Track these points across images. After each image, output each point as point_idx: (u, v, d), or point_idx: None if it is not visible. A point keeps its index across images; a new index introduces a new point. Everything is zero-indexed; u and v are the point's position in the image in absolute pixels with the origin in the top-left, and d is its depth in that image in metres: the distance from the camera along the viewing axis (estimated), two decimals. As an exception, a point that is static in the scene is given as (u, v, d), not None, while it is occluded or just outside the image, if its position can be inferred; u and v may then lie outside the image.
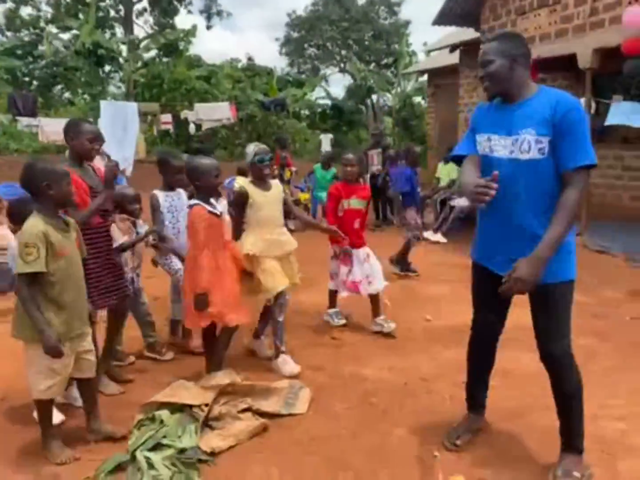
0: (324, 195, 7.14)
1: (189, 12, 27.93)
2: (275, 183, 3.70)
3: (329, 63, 31.84)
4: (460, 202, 8.20)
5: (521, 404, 3.10)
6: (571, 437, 2.46)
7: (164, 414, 2.66)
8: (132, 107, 10.52)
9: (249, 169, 3.63)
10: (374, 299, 4.29)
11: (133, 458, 2.39)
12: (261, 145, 3.61)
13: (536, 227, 2.28)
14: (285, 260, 3.61)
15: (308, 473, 2.47)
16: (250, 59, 31.51)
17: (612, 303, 5.00)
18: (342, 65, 30.86)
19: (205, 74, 22.76)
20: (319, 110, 27.09)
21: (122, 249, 3.42)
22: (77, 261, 2.64)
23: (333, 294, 4.47)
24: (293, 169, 9.23)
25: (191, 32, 23.29)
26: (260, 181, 3.56)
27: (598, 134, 8.77)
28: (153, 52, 23.84)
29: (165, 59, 23.73)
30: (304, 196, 9.30)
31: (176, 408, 2.73)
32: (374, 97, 25.90)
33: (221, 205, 3.55)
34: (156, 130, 16.07)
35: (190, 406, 2.73)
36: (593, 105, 7.57)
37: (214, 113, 14.43)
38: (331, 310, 4.49)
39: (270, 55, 66.66)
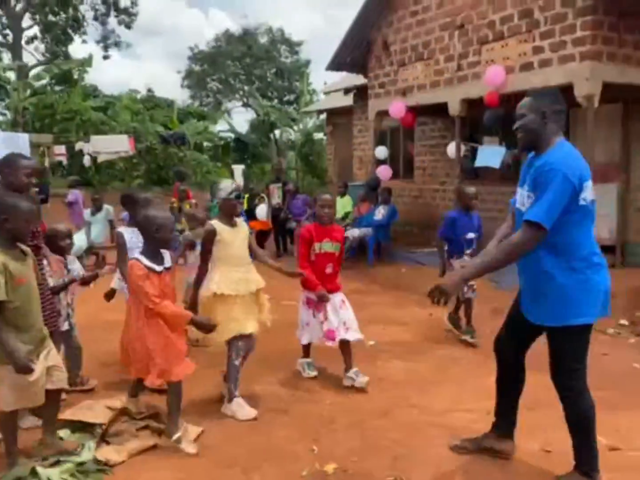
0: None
1: (84, 41, 27.35)
2: (240, 221, 3.65)
3: (232, 97, 32.42)
4: (354, 233, 8.85)
5: (389, 403, 3.63)
6: (576, 456, 2.67)
7: (64, 432, 2.85)
8: (24, 138, 10.25)
9: (221, 205, 3.56)
10: (346, 349, 3.98)
11: (34, 473, 2.56)
12: (237, 182, 3.67)
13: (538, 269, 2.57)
14: (252, 299, 3.55)
15: (199, 473, 2.78)
16: (149, 90, 31.27)
17: (478, 319, 5.74)
18: (245, 100, 31.54)
19: (102, 105, 22.38)
20: (222, 143, 27.43)
21: (56, 291, 3.46)
22: (35, 286, 2.79)
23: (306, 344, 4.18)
24: (192, 201, 9.48)
25: (87, 61, 22.85)
26: (229, 218, 3.53)
27: (470, 174, 9.92)
28: (44, 80, 23.06)
29: (57, 88, 23.04)
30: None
31: (77, 427, 2.93)
32: (277, 132, 26.75)
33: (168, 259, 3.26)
34: (48, 161, 15.56)
35: (92, 424, 2.94)
36: (463, 147, 8.59)
37: (111, 145, 14.32)
38: (303, 360, 4.23)
39: (170, 87, 66.07)
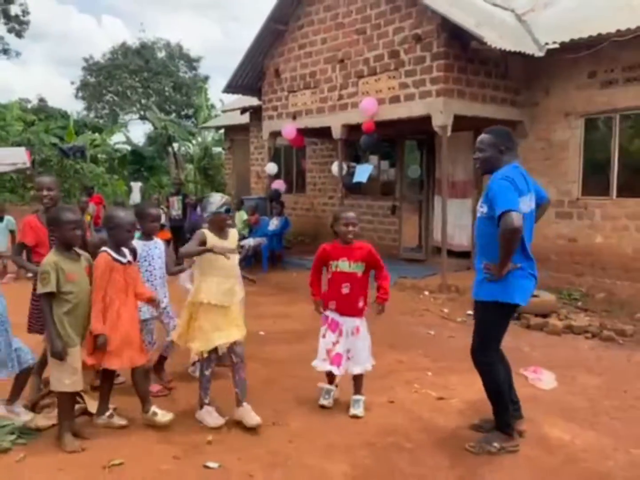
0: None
1: (-33, 46, 25.82)
2: (232, 232, 3.76)
3: (129, 110, 31.92)
4: (250, 242, 9.63)
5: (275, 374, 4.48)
6: (496, 419, 3.39)
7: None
8: None
9: (212, 218, 3.64)
10: (358, 377, 3.99)
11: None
12: (226, 196, 3.73)
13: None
14: (235, 309, 3.75)
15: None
16: (42, 100, 30.13)
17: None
18: (142, 112, 31.19)
19: (-12, 114, 21.39)
20: (119, 155, 27.01)
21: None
22: (85, 284, 3.36)
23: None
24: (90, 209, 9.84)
25: (-29, 68, 21.72)
26: (219, 231, 3.64)
27: (354, 189, 11.10)
28: None
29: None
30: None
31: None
32: (175, 145, 26.84)
33: (129, 255, 3.63)
34: None
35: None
36: (344, 166, 9.71)
37: (7, 158, 14.02)
38: (324, 386, 4.11)
39: (62, 96, 62.99)
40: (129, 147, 27.20)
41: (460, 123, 8.06)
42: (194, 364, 4.42)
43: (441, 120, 7.80)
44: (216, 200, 3.64)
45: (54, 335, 3.21)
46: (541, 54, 7.94)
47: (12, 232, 8.69)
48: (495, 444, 3.34)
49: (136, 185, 19.06)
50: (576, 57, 7.94)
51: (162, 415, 3.59)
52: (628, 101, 7.77)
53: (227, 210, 3.63)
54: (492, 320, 3.39)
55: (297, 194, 13.24)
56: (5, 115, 21.96)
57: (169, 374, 4.46)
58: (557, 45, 7.84)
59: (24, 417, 3.50)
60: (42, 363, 3.78)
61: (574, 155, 8.44)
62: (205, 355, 3.69)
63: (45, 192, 3.91)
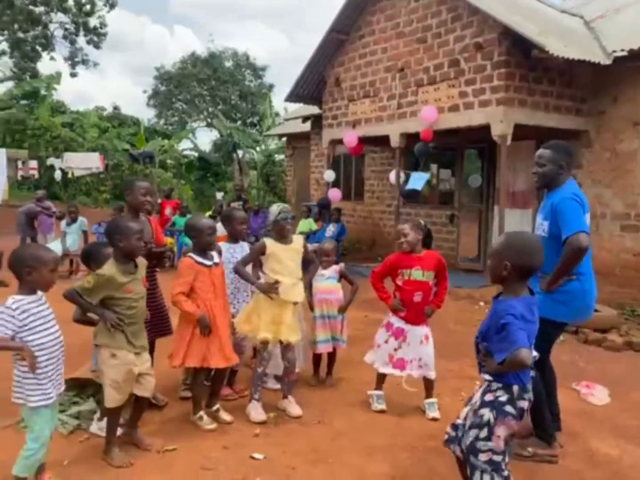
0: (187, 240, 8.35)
1: (52, 58, 27.75)
2: (296, 238, 4.00)
3: (196, 117, 33.20)
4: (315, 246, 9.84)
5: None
6: (534, 424, 3.34)
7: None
8: (1, 152, 10.89)
9: (272, 226, 3.92)
10: (428, 383, 4.07)
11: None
12: (285, 206, 3.96)
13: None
14: (295, 310, 3.94)
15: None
16: (116, 107, 31.84)
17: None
18: (209, 120, 32.37)
19: (69, 121, 22.87)
20: (186, 161, 28.13)
21: None
22: (142, 295, 3.26)
23: (381, 374, 4.13)
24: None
25: (55, 79, 23.35)
26: (283, 238, 3.89)
27: (412, 198, 11.09)
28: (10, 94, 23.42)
29: (23, 102, 23.42)
30: (169, 240, 10.40)
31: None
32: (240, 152, 27.66)
33: (217, 257, 3.80)
34: (19, 175, 16.09)
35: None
36: (402, 175, 9.74)
37: (83, 162, 15.02)
38: (375, 392, 4.16)
39: (134, 102, 66.28)
40: (195, 154, 28.32)
41: (522, 132, 7.93)
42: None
43: (501, 129, 7.71)
44: (273, 209, 3.91)
45: (100, 311, 3.12)
46: (608, 61, 7.70)
47: (84, 232, 9.29)
48: (529, 449, 3.34)
49: (219, 195, 19.89)
50: (647, 64, 7.65)
51: (207, 423, 3.70)
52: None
53: (284, 218, 3.84)
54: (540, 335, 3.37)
55: (356, 201, 13.36)
56: (82, 122, 23.41)
57: (241, 382, 4.49)
58: (625, 53, 7.59)
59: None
60: None
61: (643, 165, 8.11)
62: (260, 349, 3.89)
63: (148, 198, 3.85)
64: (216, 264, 3.74)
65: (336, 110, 10.87)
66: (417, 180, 9.17)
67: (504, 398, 2.45)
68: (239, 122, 31.62)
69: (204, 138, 57.89)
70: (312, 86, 11.21)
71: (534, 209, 9.25)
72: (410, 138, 9.27)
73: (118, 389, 3.14)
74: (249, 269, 3.99)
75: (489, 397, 2.48)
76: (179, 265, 3.71)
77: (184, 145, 28.37)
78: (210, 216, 10.73)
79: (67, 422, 3.59)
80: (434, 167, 11.52)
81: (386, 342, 4.04)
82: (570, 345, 6.04)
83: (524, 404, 2.48)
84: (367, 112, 10.05)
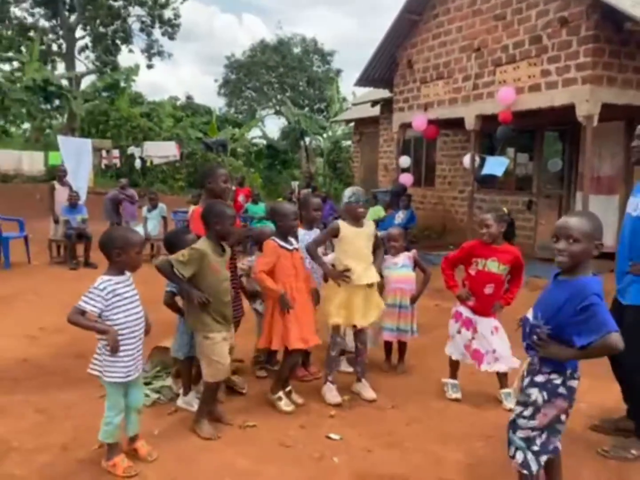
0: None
1: (130, 50, 29.02)
2: (368, 223, 3.97)
3: (265, 105, 33.65)
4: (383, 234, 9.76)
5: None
6: (636, 424, 3.27)
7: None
8: (87, 143, 11.52)
9: (345, 209, 3.92)
10: (501, 375, 3.94)
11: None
12: (359, 189, 3.94)
13: None
14: (367, 293, 3.90)
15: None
16: (189, 97, 32.80)
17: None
18: (277, 107, 32.72)
19: (146, 111, 23.82)
20: (255, 149, 28.61)
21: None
22: (227, 278, 3.38)
23: (454, 362, 4.07)
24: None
25: (134, 71, 24.32)
26: (353, 220, 3.87)
27: (487, 183, 10.72)
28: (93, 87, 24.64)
29: (105, 94, 24.58)
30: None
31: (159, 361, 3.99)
32: (307, 139, 27.79)
33: (296, 243, 3.82)
34: (103, 163, 16.98)
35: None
36: (477, 159, 9.41)
37: (161, 150, 15.63)
38: (449, 381, 4.09)
39: (206, 91, 67.90)
40: (264, 142, 28.70)
41: (610, 112, 7.44)
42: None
43: (586, 109, 7.27)
44: (347, 192, 3.90)
45: (188, 287, 3.20)
46: None
47: (164, 218, 9.65)
48: (634, 451, 3.17)
49: (294, 183, 20.14)
50: None
51: (285, 404, 3.73)
52: None
53: (357, 201, 3.81)
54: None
55: (426, 187, 13.09)
56: (159, 112, 24.29)
57: (315, 364, 4.50)
58: None
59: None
60: None
61: None
62: (332, 333, 3.92)
63: (229, 185, 3.91)
64: (296, 249, 3.77)
65: (407, 93, 10.64)
66: (495, 165, 8.82)
67: (558, 381, 2.40)
68: (306, 109, 31.75)
69: (272, 126, 58.77)
70: (383, 69, 11.02)
71: (621, 196, 8.70)
72: (486, 120, 8.94)
73: (218, 365, 3.26)
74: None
75: (540, 378, 2.42)
76: (264, 246, 3.76)
77: (253, 134, 28.88)
78: (280, 203, 10.93)
79: (149, 395, 3.76)
80: (510, 150, 11.05)
81: (459, 332, 3.97)
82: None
83: (575, 383, 2.43)
84: (440, 94, 9.77)
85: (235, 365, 4.18)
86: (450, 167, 12.52)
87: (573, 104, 7.40)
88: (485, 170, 8.95)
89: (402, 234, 4.68)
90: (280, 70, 31.67)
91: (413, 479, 2.98)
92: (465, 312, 3.94)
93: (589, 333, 2.24)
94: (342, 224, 3.87)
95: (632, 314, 3.18)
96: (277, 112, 32.71)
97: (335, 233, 3.86)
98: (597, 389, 4.08)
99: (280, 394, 3.77)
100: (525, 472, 2.43)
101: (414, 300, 4.54)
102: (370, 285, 3.93)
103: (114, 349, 2.77)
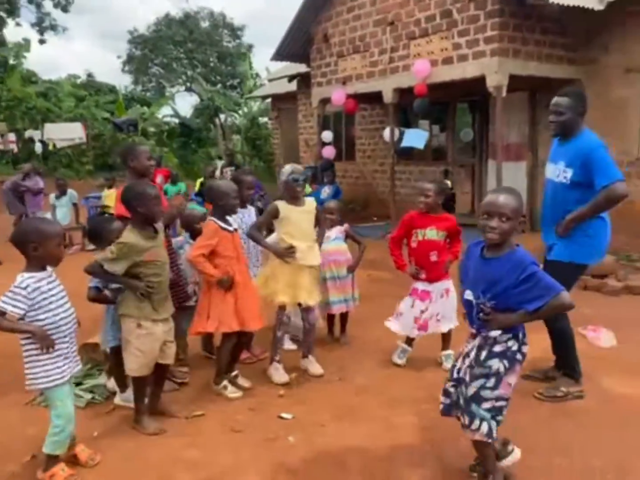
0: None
1: (18, 24, 26.46)
2: (308, 201, 3.94)
3: (175, 82, 32.33)
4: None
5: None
6: (561, 364, 3.62)
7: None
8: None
9: (284, 187, 3.85)
10: (447, 334, 4.12)
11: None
12: (298, 167, 3.89)
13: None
14: (312, 273, 3.92)
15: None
16: (90, 75, 30.82)
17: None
18: (188, 84, 31.58)
19: (42, 91, 22.09)
20: (167, 128, 27.50)
21: None
22: (166, 260, 3.20)
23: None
24: None
25: (24, 47, 22.41)
26: (295, 200, 3.83)
27: (405, 155, 11.03)
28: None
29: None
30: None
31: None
32: (222, 116, 27.13)
33: (236, 223, 3.76)
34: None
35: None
36: (396, 132, 9.64)
37: (64, 132, 14.58)
38: (403, 345, 4.23)
39: (107, 68, 63.92)
40: (176, 120, 27.66)
41: (515, 83, 7.85)
42: None
43: (496, 80, 7.62)
44: (286, 170, 3.85)
45: (127, 281, 3.06)
46: (601, 7, 7.58)
47: (74, 205, 9.10)
48: (563, 389, 3.51)
49: (219, 162, 19.42)
50: (638, 10, 7.54)
51: (231, 392, 3.70)
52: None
53: (295, 179, 3.77)
54: (566, 280, 3.34)
55: (347, 161, 13.24)
56: (57, 91, 22.62)
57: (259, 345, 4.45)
58: (618, -3, 7.47)
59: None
60: None
61: (634, 113, 8.11)
62: (278, 312, 3.92)
63: (152, 162, 3.77)
64: (235, 230, 3.70)
65: (325, 68, 10.63)
66: (415, 138, 9.06)
67: (515, 347, 2.51)
68: (219, 85, 30.90)
69: (184, 103, 56.49)
70: (299, 43, 10.91)
71: (528, 162, 9.28)
72: (403, 93, 9.14)
73: (142, 359, 3.12)
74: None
75: (498, 348, 2.51)
76: (204, 228, 3.65)
77: (164, 112, 27.74)
78: (201, 183, 10.61)
79: (82, 395, 3.61)
80: (424, 123, 11.40)
81: (412, 306, 4.06)
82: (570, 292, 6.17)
83: (526, 349, 2.56)
84: (358, 68, 9.84)
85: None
86: (369, 141, 12.73)
87: (484, 75, 7.73)
88: (405, 143, 9.19)
89: (338, 207, 4.74)
90: (188, 46, 30.49)
91: (370, 447, 3.08)
92: (422, 286, 4.03)
93: (538, 298, 2.37)
94: (282, 204, 3.83)
95: (552, 268, 3.43)
96: (188, 89, 31.57)
97: (275, 214, 3.83)
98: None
99: (225, 382, 3.73)
100: (489, 440, 2.52)
101: (351, 269, 4.62)
102: (312, 267, 3.95)
103: (47, 347, 2.59)
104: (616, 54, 8.16)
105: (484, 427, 2.48)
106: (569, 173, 3.40)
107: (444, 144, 11.35)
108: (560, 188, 3.47)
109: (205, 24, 31.84)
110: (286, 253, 3.78)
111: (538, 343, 3.76)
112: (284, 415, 3.44)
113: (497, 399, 2.51)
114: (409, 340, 4.21)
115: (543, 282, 2.39)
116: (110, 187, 9.52)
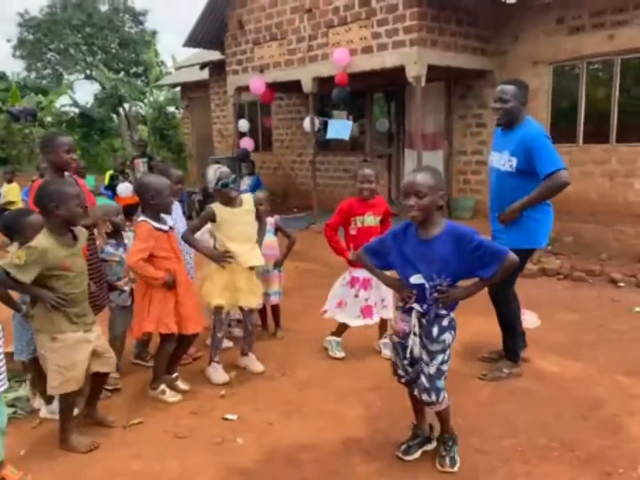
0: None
1: None
2: (246, 198, 3.72)
3: (73, 69, 30.25)
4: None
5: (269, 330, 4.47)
6: (505, 347, 3.72)
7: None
8: None
9: (215, 195, 3.64)
10: (383, 324, 4.11)
11: None
12: (222, 169, 3.61)
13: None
14: (250, 275, 3.74)
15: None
16: (-25, 59, 28.09)
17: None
18: (87, 72, 29.66)
19: None
20: (66, 118, 25.67)
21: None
22: (83, 270, 2.86)
23: (343, 324, 4.09)
24: None
25: None
26: (230, 203, 3.61)
27: (323, 145, 11.00)
28: None
29: None
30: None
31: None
32: (127, 105, 25.71)
33: (171, 220, 3.52)
34: None
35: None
36: (316, 121, 9.56)
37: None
38: (333, 338, 4.15)
39: (-5, 55, 58.52)
40: (76, 110, 25.93)
41: (431, 73, 8.01)
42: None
43: (415, 70, 7.74)
44: (210, 176, 3.59)
45: (36, 291, 2.72)
46: (513, 0, 7.92)
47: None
48: (505, 370, 3.65)
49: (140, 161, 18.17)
50: (545, 3, 7.95)
51: (170, 395, 3.48)
52: (594, 47, 7.89)
53: (225, 185, 3.55)
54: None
55: (264, 152, 13.00)
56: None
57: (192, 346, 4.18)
58: (526, -9, 7.84)
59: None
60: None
61: (543, 103, 8.58)
62: (215, 314, 3.72)
63: (73, 155, 3.41)
64: (171, 228, 3.45)
65: (240, 55, 10.31)
66: (340, 128, 9.00)
67: (453, 316, 2.65)
68: (121, 73, 29.26)
69: (83, 92, 52.74)
70: (212, 30, 10.49)
71: (444, 150, 9.56)
72: (323, 83, 9.06)
73: (65, 374, 2.79)
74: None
75: (444, 322, 2.60)
76: (137, 230, 3.34)
77: (62, 101, 25.86)
78: (111, 176, 9.95)
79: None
80: (342, 113, 11.41)
81: (356, 296, 3.98)
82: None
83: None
84: (275, 55, 9.63)
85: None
86: (287, 131, 12.57)
87: (403, 65, 7.83)
88: (331, 134, 9.12)
89: (267, 197, 4.57)
90: (86, 31, 28.53)
91: (322, 443, 2.98)
92: (362, 274, 3.93)
93: (490, 264, 2.46)
94: (218, 207, 3.62)
95: None
96: (88, 77, 29.65)
97: (212, 218, 3.62)
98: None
99: (163, 386, 3.48)
100: (445, 405, 2.68)
101: (278, 264, 4.52)
102: (251, 269, 3.79)
103: None
104: (525, 46, 8.56)
105: (446, 396, 2.66)
106: (514, 161, 3.46)
107: (359, 134, 11.39)
108: (506, 176, 3.53)
109: (104, 7, 29.98)
110: (222, 257, 3.59)
111: (466, 325, 3.89)
112: (228, 416, 3.26)
113: (445, 363, 2.66)
114: (339, 331, 4.14)
115: (491, 248, 2.50)
116: (10, 181, 8.71)
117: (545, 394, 3.47)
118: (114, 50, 29.51)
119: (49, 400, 3.22)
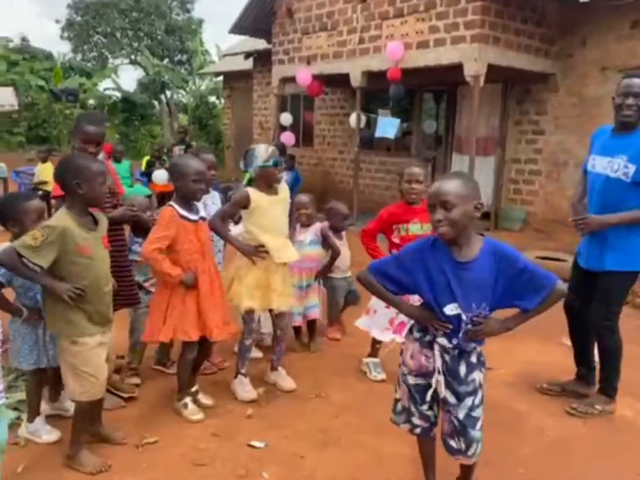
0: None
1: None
2: (282, 187, 3.31)
3: (118, 54, 30.44)
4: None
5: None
6: (602, 381, 3.33)
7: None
8: None
9: (258, 174, 3.19)
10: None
11: None
12: (272, 147, 3.24)
13: None
14: (283, 274, 3.31)
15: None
16: (24, 39, 28.52)
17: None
18: (132, 57, 29.79)
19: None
20: (109, 102, 25.82)
21: None
22: (102, 259, 2.51)
23: (375, 339, 3.68)
24: None
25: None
26: (269, 187, 3.21)
27: (366, 144, 10.53)
28: None
29: None
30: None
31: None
32: (169, 92, 25.68)
33: (203, 210, 3.13)
34: None
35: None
36: (363, 118, 9.10)
37: (-8, 97, 13.14)
38: (370, 360, 3.74)
39: (44, 33, 59.66)
40: (119, 94, 26.06)
41: (488, 73, 7.46)
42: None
43: (474, 69, 7.21)
44: (261, 152, 3.17)
45: (49, 282, 2.37)
46: (582, -1, 7.30)
47: (3, 179, 8.08)
48: (598, 407, 3.30)
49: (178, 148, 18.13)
50: (619, 5, 7.31)
51: (192, 412, 3.07)
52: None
53: (275, 164, 3.16)
54: (624, 290, 3.20)
55: (304, 147, 12.61)
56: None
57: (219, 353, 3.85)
58: (599, -10, 7.21)
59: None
60: None
61: (609, 112, 7.90)
62: (245, 318, 3.29)
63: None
64: (202, 219, 3.03)
65: (288, 45, 9.92)
66: (387, 127, 8.53)
67: (480, 350, 2.22)
68: (166, 60, 29.29)
69: (127, 77, 53.10)
70: (259, 17, 10.13)
71: (497, 156, 8.99)
72: (371, 78, 8.60)
73: (90, 379, 2.47)
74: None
75: (473, 358, 2.18)
76: (160, 214, 2.95)
77: (106, 85, 26.02)
78: (148, 162, 9.71)
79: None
80: (386, 112, 10.90)
81: (387, 307, 3.50)
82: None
83: None
84: (324, 47, 9.21)
85: (116, 362, 3.39)
86: (329, 127, 12.14)
87: (461, 62, 7.31)
88: (379, 132, 8.64)
89: (313, 200, 4.14)
90: (134, 15, 28.62)
91: (362, 485, 2.54)
92: None
93: (536, 293, 2.04)
94: (254, 192, 3.17)
95: (608, 279, 3.17)
96: (133, 62, 29.75)
97: (245, 203, 3.17)
98: (506, 354, 4.03)
99: (186, 399, 3.09)
100: (475, 460, 2.25)
101: (319, 275, 4.14)
102: (285, 264, 3.35)
103: None
104: (593, 50, 7.94)
105: (479, 449, 2.21)
106: (631, 169, 3.02)
107: (401, 135, 10.85)
108: (615, 184, 3.08)
109: (153, -6, 30.04)
110: (255, 252, 3.16)
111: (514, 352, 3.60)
112: (255, 443, 2.85)
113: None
114: (374, 351, 3.73)
115: (537, 273, 2.05)
116: (44, 160, 8.54)
117: (622, 442, 2.99)
118: (159, 37, 29.51)
119: (32, 417, 2.81)
